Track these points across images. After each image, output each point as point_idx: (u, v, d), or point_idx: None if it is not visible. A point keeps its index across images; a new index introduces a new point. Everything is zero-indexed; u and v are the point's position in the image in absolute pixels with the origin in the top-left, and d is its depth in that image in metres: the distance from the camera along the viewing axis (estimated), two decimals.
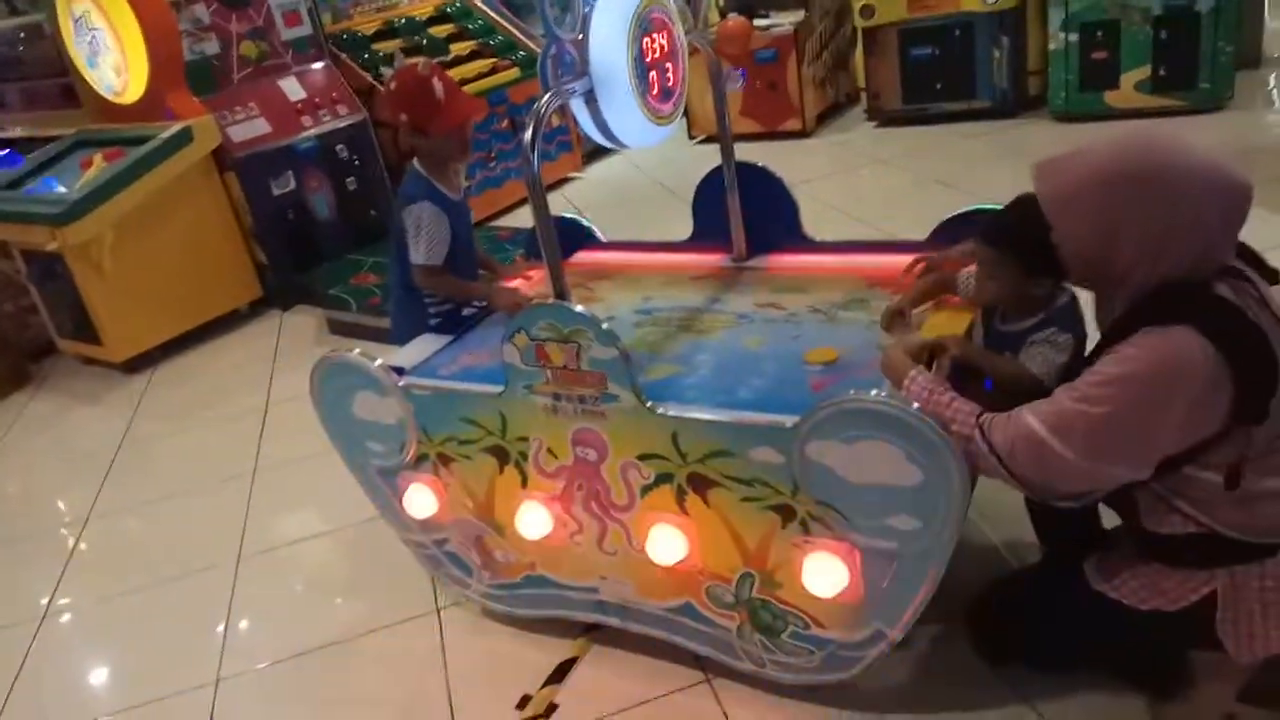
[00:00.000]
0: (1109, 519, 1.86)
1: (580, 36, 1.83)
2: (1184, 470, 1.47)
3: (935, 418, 1.54)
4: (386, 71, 2.74)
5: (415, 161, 2.47)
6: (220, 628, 2.66)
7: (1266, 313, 1.44)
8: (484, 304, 2.51)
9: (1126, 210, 1.41)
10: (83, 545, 3.27)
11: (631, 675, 2.16)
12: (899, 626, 1.75)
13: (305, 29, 5.24)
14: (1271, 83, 5.62)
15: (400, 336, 2.52)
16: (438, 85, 2.39)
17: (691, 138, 6.68)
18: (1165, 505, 1.53)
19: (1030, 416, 1.46)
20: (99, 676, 2.70)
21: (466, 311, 2.52)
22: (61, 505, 3.60)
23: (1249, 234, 1.50)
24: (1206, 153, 1.43)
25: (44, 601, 2.96)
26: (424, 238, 2.40)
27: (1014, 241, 1.70)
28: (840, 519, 1.67)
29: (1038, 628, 1.81)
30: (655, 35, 1.93)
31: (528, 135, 1.74)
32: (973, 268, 1.90)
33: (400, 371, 2.19)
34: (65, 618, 2.90)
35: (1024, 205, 1.60)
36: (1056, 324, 1.76)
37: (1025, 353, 1.76)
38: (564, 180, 6.36)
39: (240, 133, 4.82)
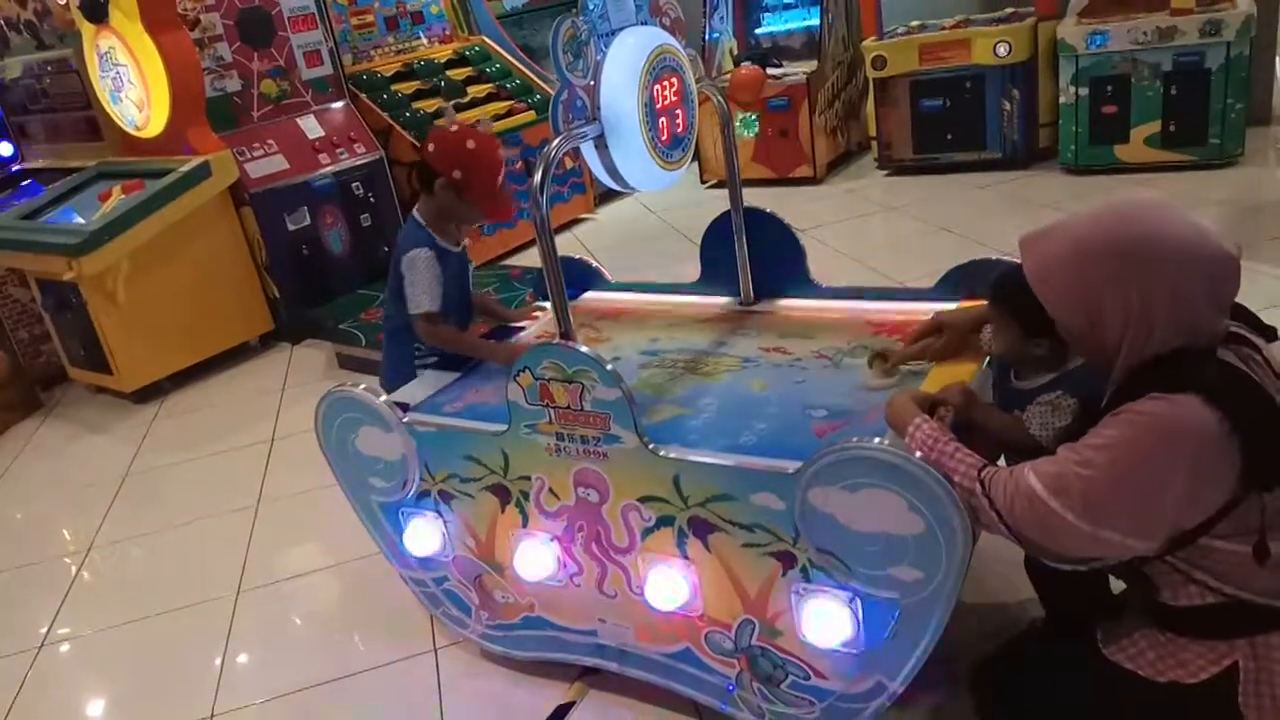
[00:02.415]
0: (1115, 583, 1.83)
1: (592, 83, 1.86)
2: (1199, 541, 1.42)
3: (938, 468, 1.53)
4: (446, 111, 2.59)
5: (417, 210, 2.44)
6: (218, 661, 2.65)
7: (1270, 375, 1.42)
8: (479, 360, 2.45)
9: (1104, 283, 1.40)
10: (85, 574, 3.26)
11: None
12: (900, 678, 1.72)
13: (326, 69, 5.34)
14: None
15: (389, 382, 2.51)
16: (501, 175, 2.39)
17: (703, 182, 6.75)
18: (1182, 577, 1.49)
19: (1031, 475, 1.44)
20: (95, 708, 2.68)
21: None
22: (65, 533, 3.60)
23: (1260, 290, 1.49)
24: (1188, 223, 1.41)
25: (43, 630, 2.95)
26: (420, 285, 2.36)
27: (1013, 301, 1.71)
28: (841, 567, 1.66)
29: (1046, 695, 1.75)
30: (666, 83, 1.96)
31: (537, 178, 1.76)
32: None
33: (405, 407, 2.20)
34: (64, 647, 2.88)
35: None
36: (1064, 386, 1.74)
37: (1027, 412, 1.76)
38: (576, 220, 6.42)
39: (258, 169, 4.90)
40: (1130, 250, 1.39)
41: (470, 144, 2.35)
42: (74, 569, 3.30)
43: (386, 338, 2.61)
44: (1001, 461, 1.68)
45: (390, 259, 2.48)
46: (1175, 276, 1.37)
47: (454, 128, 2.39)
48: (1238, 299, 1.49)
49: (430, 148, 2.39)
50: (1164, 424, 1.35)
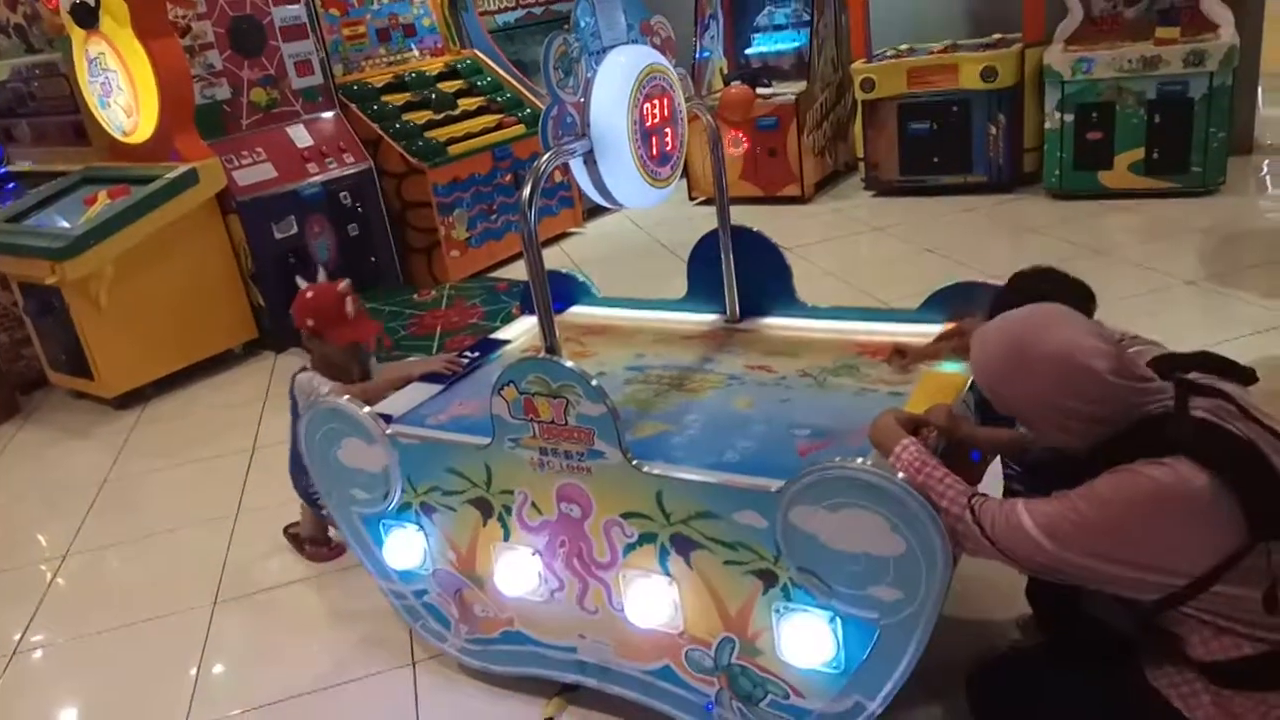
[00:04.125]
0: None
1: (582, 100, 1.87)
2: (1218, 590, 1.40)
3: (926, 491, 1.54)
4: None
5: (309, 365, 2.71)
6: (193, 671, 2.62)
7: (1251, 422, 1.44)
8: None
9: (999, 383, 1.54)
10: (60, 581, 3.22)
11: None
12: (879, 699, 1.73)
13: (316, 78, 5.34)
14: (1264, 169, 5.72)
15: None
16: (349, 304, 2.64)
17: (692, 199, 6.77)
18: (1212, 629, 1.46)
19: (1025, 514, 1.46)
20: (68, 718, 2.64)
21: None
22: (42, 539, 3.57)
23: (1242, 317, 1.52)
24: (1068, 336, 1.47)
25: (16, 637, 2.92)
26: (313, 389, 2.57)
27: None
28: (822, 586, 1.66)
29: (1069, 715, 1.69)
30: (655, 101, 1.97)
31: (526, 192, 1.76)
32: None
33: (388, 419, 2.19)
34: (36, 654, 2.85)
35: (1013, 289, 1.62)
36: None
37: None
38: (564, 235, 6.43)
39: (245, 177, 4.88)
40: (1010, 357, 1.50)
41: (309, 294, 2.69)
42: (49, 576, 3.26)
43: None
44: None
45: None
46: (1048, 391, 1.47)
47: (301, 287, 2.71)
48: (1209, 346, 1.56)
49: (291, 314, 2.69)
50: (1157, 485, 1.38)
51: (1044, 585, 1.83)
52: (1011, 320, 1.54)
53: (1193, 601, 1.43)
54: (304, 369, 2.70)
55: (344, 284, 2.70)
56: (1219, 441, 1.39)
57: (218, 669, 2.64)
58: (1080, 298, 1.79)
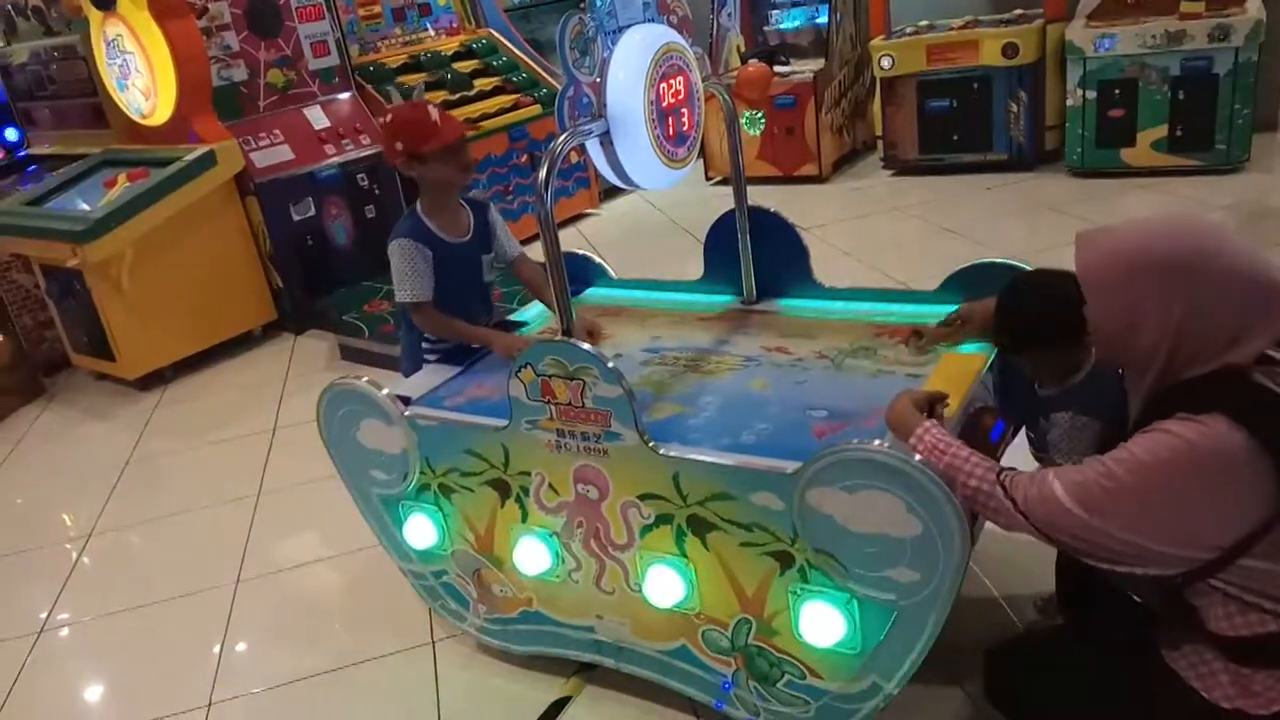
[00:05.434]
0: None
1: (598, 80, 1.86)
2: (1240, 562, 1.38)
3: (950, 471, 1.53)
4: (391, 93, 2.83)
5: (418, 203, 2.49)
6: (216, 649, 2.66)
7: None
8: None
9: (1146, 294, 1.39)
10: (85, 560, 3.27)
11: (624, 718, 2.14)
12: (896, 680, 1.73)
13: (333, 59, 5.34)
14: None
15: (405, 370, 2.59)
16: (431, 110, 2.43)
17: (708, 179, 6.74)
18: (1238, 603, 1.43)
19: (1056, 483, 1.43)
20: (93, 694, 2.69)
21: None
22: (66, 519, 3.62)
23: None
24: (1242, 250, 1.39)
25: (43, 615, 2.96)
26: (400, 276, 2.41)
27: (1018, 344, 1.72)
28: (839, 568, 1.67)
29: (1068, 687, 1.67)
30: (672, 80, 1.96)
31: (542, 174, 1.76)
32: None
33: (407, 401, 2.20)
34: (63, 632, 2.90)
35: (1004, 308, 1.59)
36: (1076, 405, 1.74)
37: (1050, 440, 1.77)
38: (580, 216, 6.42)
39: (263, 158, 4.90)
40: (1178, 265, 1.38)
41: (388, 118, 2.50)
42: (74, 555, 3.31)
43: (400, 328, 2.71)
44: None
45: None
46: (1217, 299, 1.36)
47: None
48: None
49: (385, 153, 2.56)
50: (1190, 445, 1.34)
51: (1071, 563, 1.81)
52: (1176, 226, 1.43)
53: (1221, 574, 1.40)
54: (411, 215, 2.49)
55: (416, 91, 2.64)
56: (1266, 406, 1.35)
57: (240, 647, 2.68)
58: None
